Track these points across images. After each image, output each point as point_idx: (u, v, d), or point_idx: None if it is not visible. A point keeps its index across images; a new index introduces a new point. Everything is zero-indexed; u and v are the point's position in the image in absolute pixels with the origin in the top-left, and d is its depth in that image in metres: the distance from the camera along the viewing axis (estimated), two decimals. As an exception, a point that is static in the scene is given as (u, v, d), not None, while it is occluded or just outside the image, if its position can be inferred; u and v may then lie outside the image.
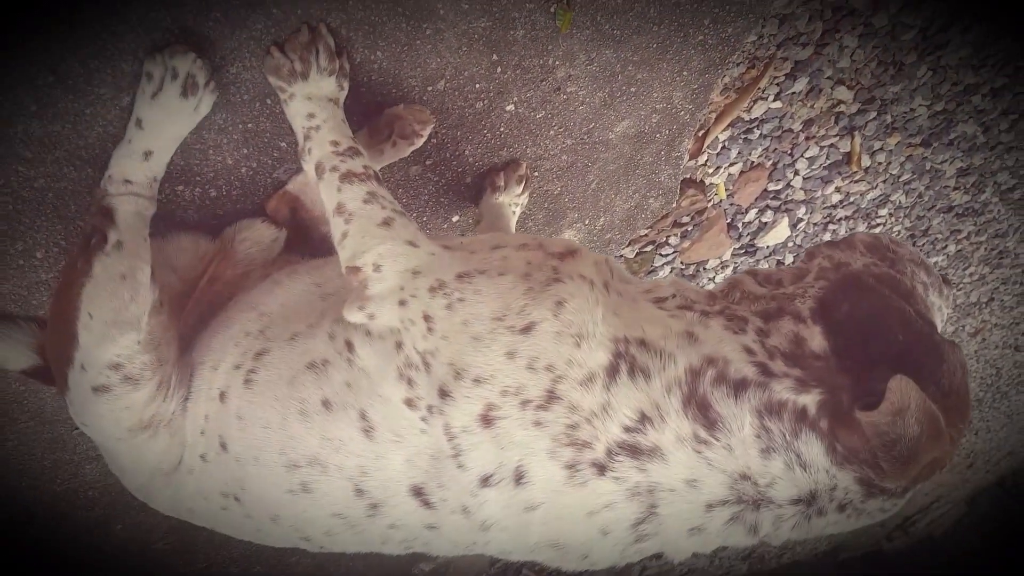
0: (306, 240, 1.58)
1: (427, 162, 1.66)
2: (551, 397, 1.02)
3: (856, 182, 2.95)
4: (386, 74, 1.46)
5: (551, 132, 1.77)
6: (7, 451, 1.73)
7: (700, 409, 1.00)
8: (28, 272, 1.43)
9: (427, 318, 1.09)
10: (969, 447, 4.74)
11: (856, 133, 2.68)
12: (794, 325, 1.05)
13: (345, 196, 1.24)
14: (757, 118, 2.33)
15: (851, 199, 3.02)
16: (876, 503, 1.01)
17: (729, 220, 2.70)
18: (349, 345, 1.18)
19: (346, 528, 1.23)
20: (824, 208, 3.00)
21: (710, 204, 2.54)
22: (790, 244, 3.06)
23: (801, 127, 2.53)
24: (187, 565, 2.37)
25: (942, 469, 1.01)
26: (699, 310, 1.10)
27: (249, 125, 1.42)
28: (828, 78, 2.39)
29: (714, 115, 2.20)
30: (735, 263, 2.92)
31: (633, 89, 1.79)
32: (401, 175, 1.65)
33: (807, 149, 2.64)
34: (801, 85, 2.32)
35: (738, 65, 2.09)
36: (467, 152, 1.70)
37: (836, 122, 2.60)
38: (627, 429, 1.00)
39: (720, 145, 2.34)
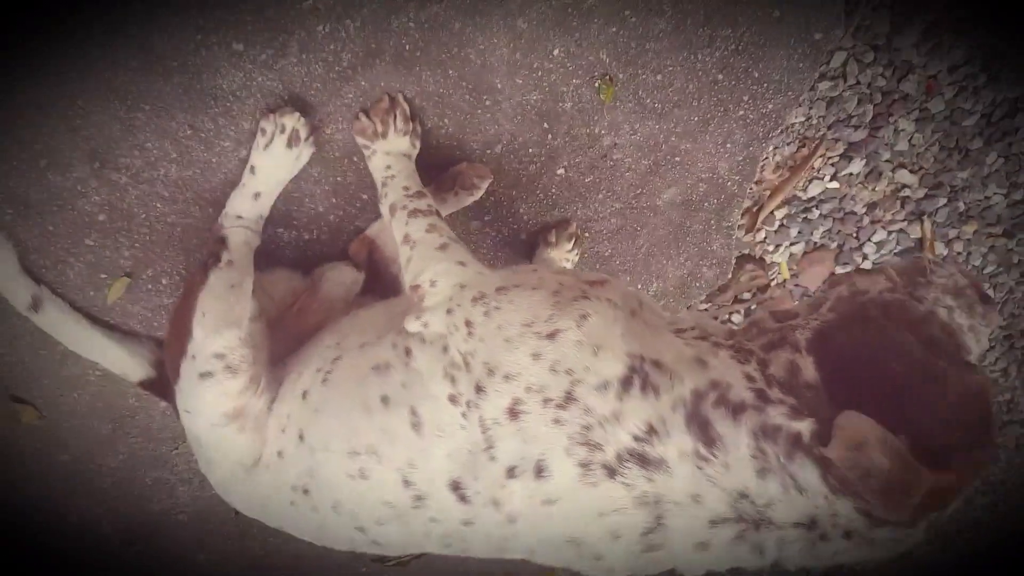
0: (379, 280, 1.92)
1: (486, 218, 1.99)
2: (569, 398, 1.17)
3: (934, 270, 3.06)
4: (452, 138, 1.83)
5: (599, 195, 2.08)
6: (119, 463, 2.08)
7: (701, 427, 1.12)
8: (154, 296, 1.83)
9: (468, 323, 1.32)
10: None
11: (925, 218, 2.84)
12: (791, 354, 1.16)
13: (411, 228, 1.55)
14: (814, 197, 2.56)
15: (932, 288, 3.12)
16: (885, 533, 1.08)
17: (796, 302, 2.87)
18: (408, 351, 1.43)
19: (394, 517, 1.44)
20: (903, 296, 3.11)
21: (773, 283, 2.74)
22: (869, 333, 3.17)
23: (865, 210, 2.72)
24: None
25: (951, 501, 1.06)
26: (712, 341, 1.24)
27: (338, 179, 1.80)
28: (887, 161, 2.60)
29: (768, 192, 2.45)
30: (809, 348, 3.05)
31: (677, 159, 2.09)
32: (463, 229, 1.99)
33: (874, 233, 2.81)
34: (857, 167, 2.54)
35: (788, 144, 2.35)
36: (522, 211, 2.02)
37: (902, 206, 2.77)
38: (636, 438, 1.14)
39: (777, 223, 2.56)
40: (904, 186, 2.72)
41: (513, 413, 1.22)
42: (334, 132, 1.74)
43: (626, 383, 1.18)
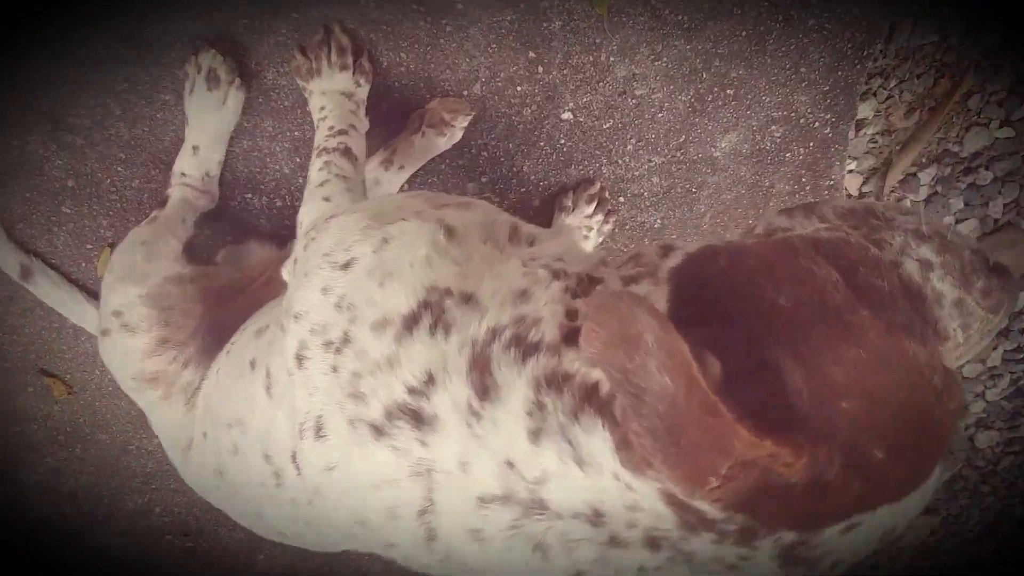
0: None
1: (483, 179, 1.53)
2: (346, 339, 0.84)
3: None
4: (416, 76, 1.42)
5: (628, 147, 1.51)
6: (155, 446, 1.90)
7: (480, 373, 0.75)
8: (142, 269, 1.62)
9: (295, 260, 1.02)
10: None
11: None
12: (648, 287, 0.75)
13: (313, 167, 1.23)
14: (979, 153, 1.71)
15: None
16: (705, 545, 0.63)
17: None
18: None
19: (267, 500, 1.10)
20: None
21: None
22: (1115, 353, 2.09)
23: (1074, 170, 1.78)
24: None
25: (775, 488, 0.58)
26: (555, 270, 0.83)
27: (296, 133, 1.48)
28: (1098, 96, 1.67)
29: (899, 145, 1.67)
30: (1011, 372, 2.07)
31: (730, 91, 1.46)
32: (458, 192, 1.54)
33: (1096, 204, 1.83)
34: (1045, 105, 1.66)
35: (920, 75, 1.59)
36: (526, 169, 1.52)
37: None
38: (411, 390, 0.78)
39: (924, 188, 1.75)
40: None
41: (300, 360, 0.89)
42: (276, 76, 1.42)
43: (410, 321, 0.82)
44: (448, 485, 0.76)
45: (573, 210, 1.53)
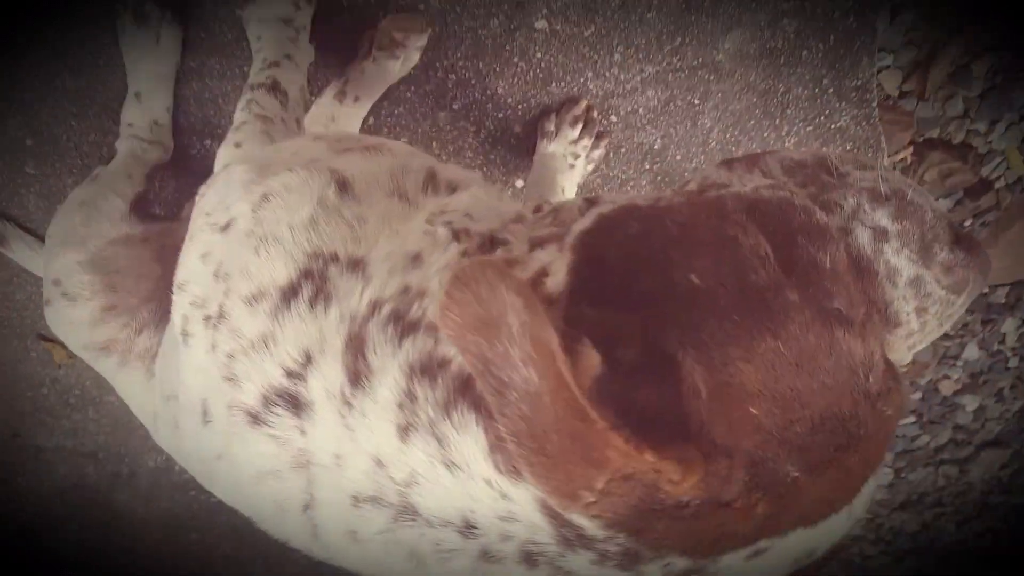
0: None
1: (454, 106, 1.37)
2: (221, 314, 0.75)
3: None
4: (365, -6, 1.26)
5: (615, 56, 1.32)
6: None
7: (355, 354, 0.66)
8: (117, 228, 1.55)
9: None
10: None
11: None
12: (553, 253, 0.63)
13: (238, 106, 1.10)
14: (1049, 33, 1.43)
15: None
16: (585, 565, 0.53)
17: None
18: None
19: (207, 476, 1.02)
20: None
21: (1000, 181, 1.63)
22: None
23: None
24: None
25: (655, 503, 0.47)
26: (456, 228, 0.72)
27: (246, 68, 1.34)
28: None
29: (947, 30, 1.41)
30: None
31: (728, -19, 1.24)
32: (429, 124, 1.39)
33: None
34: None
35: (969, -56, 1.31)
36: (501, 90, 1.35)
37: None
38: (289, 373, 0.70)
39: (980, 82, 1.48)
40: None
41: (185, 335, 0.81)
42: (215, 7, 1.29)
43: (289, 294, 0.72)
44: (326, 480, 0.68)
45: (556, 135, 1.35)
